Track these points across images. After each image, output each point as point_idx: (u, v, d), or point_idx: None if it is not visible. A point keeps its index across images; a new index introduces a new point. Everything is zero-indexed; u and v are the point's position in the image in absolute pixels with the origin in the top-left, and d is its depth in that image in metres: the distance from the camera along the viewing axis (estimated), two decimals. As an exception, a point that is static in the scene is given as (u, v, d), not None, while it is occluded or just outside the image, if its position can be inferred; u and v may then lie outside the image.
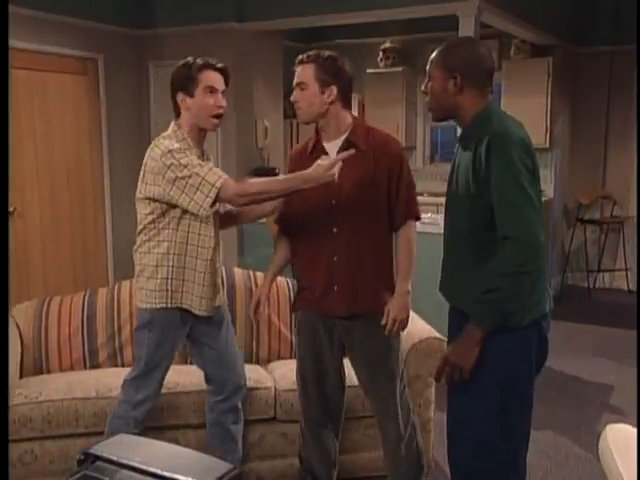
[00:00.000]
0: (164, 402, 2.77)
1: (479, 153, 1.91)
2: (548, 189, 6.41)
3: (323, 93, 2.36)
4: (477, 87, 2.00)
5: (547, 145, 6.21)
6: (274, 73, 5.82)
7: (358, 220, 2.38)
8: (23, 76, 4.77)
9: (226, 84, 2.48)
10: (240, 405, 2.73)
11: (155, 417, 2.78)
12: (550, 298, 2.07)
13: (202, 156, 2.48)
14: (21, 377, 3.01)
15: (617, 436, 2.19)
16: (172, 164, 2.31)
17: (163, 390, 2.74)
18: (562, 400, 4.07)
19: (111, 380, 2.86)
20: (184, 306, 2.47)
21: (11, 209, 4.72)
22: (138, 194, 2.44)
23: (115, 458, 1.38)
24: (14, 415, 2.69)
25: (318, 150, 2.43)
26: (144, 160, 2.42)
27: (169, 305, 2.45)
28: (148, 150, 2.42)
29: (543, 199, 6.07)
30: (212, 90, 2.42)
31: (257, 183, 2.43)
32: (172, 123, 2.48)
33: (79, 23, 5.08)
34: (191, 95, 2.41)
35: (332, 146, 2.41)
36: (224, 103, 2.46)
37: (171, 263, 2.43)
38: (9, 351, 2.67)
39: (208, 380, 2.70)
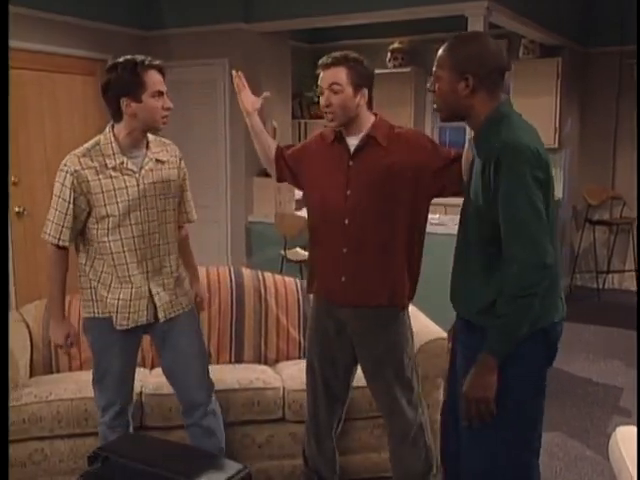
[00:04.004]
0: (171, 402, 2.77)
1: (489, 164, 1.83)
2: (557, 190, 6.38)
3: (355, 96, 2.36)
4: (490, 89, 1.88)
5: (556, 145, 6.18)
6: (282, 73, 5.82)
7: (370, 214, 2.36)
8: (33, 77, 4.80)
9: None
10: (207, 423, 2.56)
11: (162, 417, 2.79)
12: (562, 306, 1.98)
13: (141, 160, 2.40)
14: (31, 376, 3.02)
15: (627, 438, 2.18)
16: (55, 181, 2.35)
17: (171, 390, 2.75)
18: (571, 402, 4.05)
19: (120, 380, 2.87)
20: (106, 315, 2.40)
21: (20, 209, 4.75)
22: None
23: (125, 457, 1.39)
24: (24, 414, 2.71)
25: (340, 140, 2.44)
26: None
27: (96, 315, 2.42)
28: None
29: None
30: (160, 93, 2.33)
31: (51, 274, 2.41)
32: (107, 126, 2.42)
33: (88, 25, 5.11)
34: (138, 100, 2.29)
35: (352, 139, 2.42)
36: (171, 104, 2.38)
37: (91, 273, 2.41)
38: (9, 352, 2.66)
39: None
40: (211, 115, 5.56)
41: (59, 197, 2.33)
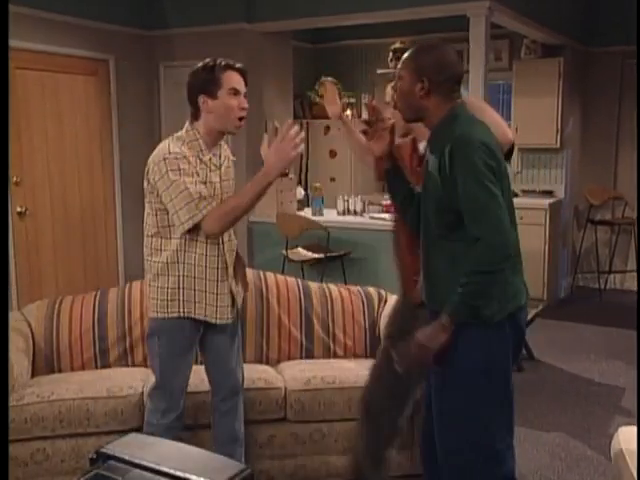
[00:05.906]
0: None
1: (444, 157, 1.96)
2: (559, 190, 6.39)
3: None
4: (443, 93, 2.03)
5: (558, 145, 6.18)
6: (284, 74, 5.82)
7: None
8: (35, 77, 4.80)
9: (245, 85, 2.45)
10: (240, 406, 2.67)
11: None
12: (526, 290, 2.11)
13: (218, 158, 2.46)
14: (33, 376, 3.02)
15: (629, 438, 2.18)
16: (164, 173, 2.30)
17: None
18: (573, 402, 4.04)
19: (121, 380, 2.87)
20: (198, 317, 2.43)
21: (22, 209, 4.76)
22: (146, 201, 2.43)
23: (127, 457, 1.39)
24: (26, 414, 2.71)
25: (414, 146, 2.49)
26: (149, 160, 2.40)
27: (181, 315, 2.41)
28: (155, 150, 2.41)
29: (553, 200, 6.12)
30: (235, 92, 2.39)
31: (229, 200, 2.39)
32: (187, 123, 2.44)
33: (90, 24, 5.11)
34: (214, 97, 2.37)
35: (421, 144, 2.45)
36: (247, 105, 2.43)
37: (180, 272, 2.39)
38: (9, 352, 2.66)
39: (210, 381, 2.66)
40: (213, 115, 5.57)
41: (177, 180, 2.27)
